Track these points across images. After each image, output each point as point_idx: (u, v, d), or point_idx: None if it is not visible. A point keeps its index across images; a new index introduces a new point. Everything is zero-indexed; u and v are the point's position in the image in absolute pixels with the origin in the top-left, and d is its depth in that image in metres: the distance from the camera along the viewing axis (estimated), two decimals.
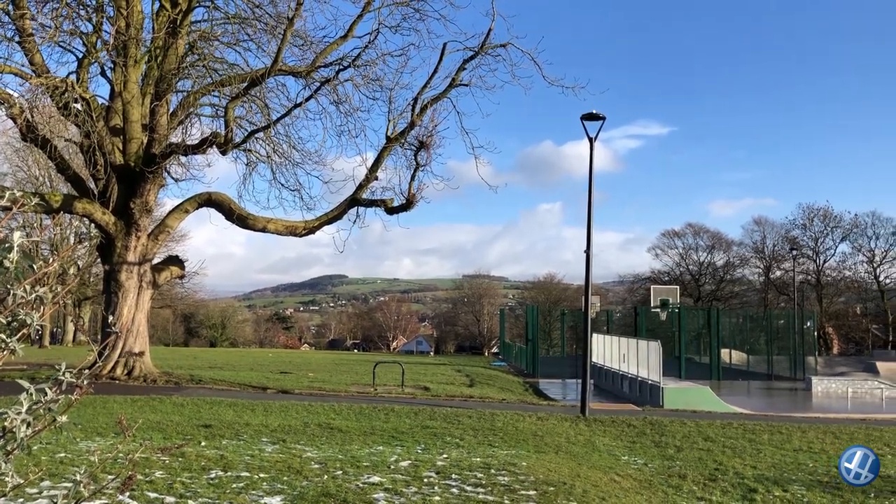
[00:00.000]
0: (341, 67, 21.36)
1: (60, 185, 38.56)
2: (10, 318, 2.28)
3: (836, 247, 65.53)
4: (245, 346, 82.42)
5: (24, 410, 2.05)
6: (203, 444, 11.31)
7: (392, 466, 9.89)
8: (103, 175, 20.93)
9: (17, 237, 2.20)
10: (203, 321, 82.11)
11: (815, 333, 46.17)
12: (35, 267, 2.25)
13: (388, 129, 22.18)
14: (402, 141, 22.24)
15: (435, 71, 21.61)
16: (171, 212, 23.09)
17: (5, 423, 2.07)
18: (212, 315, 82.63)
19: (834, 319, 67.43)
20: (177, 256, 25.04)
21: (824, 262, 66.08)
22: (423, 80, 22.00)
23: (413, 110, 21.74)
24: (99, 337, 24.53)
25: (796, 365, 39.54)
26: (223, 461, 9.72)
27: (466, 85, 22.09)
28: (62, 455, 9.64)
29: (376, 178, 22.60)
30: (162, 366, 24.26)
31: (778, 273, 69.43)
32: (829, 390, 31.02)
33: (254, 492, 8.10)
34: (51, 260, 2.30)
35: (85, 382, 2.25)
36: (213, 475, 8.86)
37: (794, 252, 58.60)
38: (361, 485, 8.64)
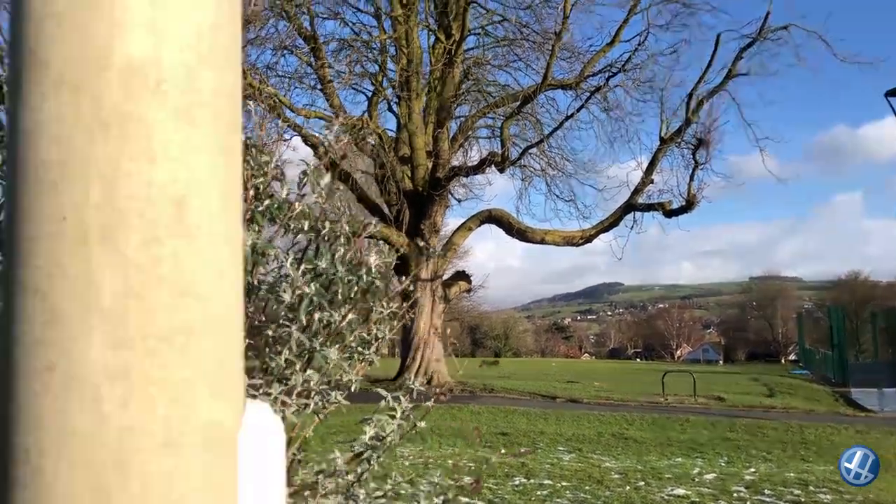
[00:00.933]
0: (610, 74, 21.23)
1: (358, 213, 42.59)
2: (368, 333, 2.55)
3: None
4: (527, 355, 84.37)
5: (398, 416, 2.28)
6: (503, 451, 11.74)
7: (696, 479, 9.49)
8: (396, 201, 22.78)
9: (374, 261, 2.45)
10: (487, 332, 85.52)
11: None
12: (389, 286, 2.50)
13: (660, 130, 21.58)
14: (678, 140, 21.48)
15: (709, 64, 20.64)
16: (456, 230, 24.43)
17: (377, 430, 2.32)
18: (495, 326, 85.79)
19: None
20: (464, 271, 26.38)
21: None
22: (694, 75, 21.18)
23: (688, 107, 20.90)
24: (397, 350, 26.72)
25: None
26: (525, 469, 10.00)
27: (745, 74, 20.84)
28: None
29: (651, 182, 22.04)
30: (455, 376, 25.65)
31: None
32: None
33: (558, 500, 8.23)
34: (404, 279, 2.54)
35: (440, 392, 2.45)
36: (516, 482, 9.15)
37: None
38: (666, 497, 8.40)
